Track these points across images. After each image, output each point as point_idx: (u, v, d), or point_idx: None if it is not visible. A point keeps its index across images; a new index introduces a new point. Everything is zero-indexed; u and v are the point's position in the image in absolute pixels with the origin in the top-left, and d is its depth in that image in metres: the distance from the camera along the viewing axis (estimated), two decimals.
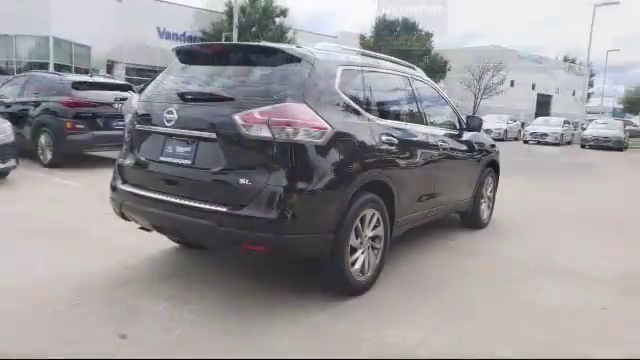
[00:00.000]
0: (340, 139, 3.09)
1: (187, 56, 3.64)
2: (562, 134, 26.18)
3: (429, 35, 36.20)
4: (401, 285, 3.66)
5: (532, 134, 26.05)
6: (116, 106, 8.07)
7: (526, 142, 25.87)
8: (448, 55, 38.53)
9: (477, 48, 45.09)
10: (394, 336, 2.85)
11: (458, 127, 4.97)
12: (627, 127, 27.05)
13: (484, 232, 5.42)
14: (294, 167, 2.87)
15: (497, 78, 39.19)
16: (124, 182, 3.49)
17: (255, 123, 2.89)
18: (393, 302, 3.35)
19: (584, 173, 13.54)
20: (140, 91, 3.81)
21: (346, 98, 3.30)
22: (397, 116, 3.98)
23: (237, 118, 2.93)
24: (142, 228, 3.57)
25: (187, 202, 3.05)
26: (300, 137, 2.89)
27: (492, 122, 26.24)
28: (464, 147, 4.91)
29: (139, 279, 3.54)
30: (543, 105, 57.59)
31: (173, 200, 3.11)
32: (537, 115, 41.97)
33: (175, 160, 3.19)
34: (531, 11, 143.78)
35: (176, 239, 4.06)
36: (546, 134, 25.60)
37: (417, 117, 4.24)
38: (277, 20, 34.29)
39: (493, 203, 5.79)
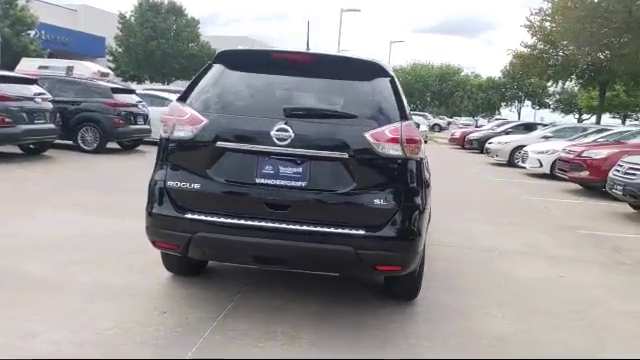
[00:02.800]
0: None
1: (258, 63, 3.28)
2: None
3: (196, 21, 35.56)
4: None
5: None
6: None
7: None
8: (218, 42, 38.32)
9: (234, 37, 46.26)
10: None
11: None
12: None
13: None
14: (419, 185, 3.02)
15: None
16: (191, 210, 2.98)
17: (386, 142, 2.92)
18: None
19: None
20: (182, 99, 3.13)
21: None
22: None
23: (368, 137, 2.91)
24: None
25: (310, 228, 2.86)
26: (420, 154, 3.05)
27: None
28: None
29: None
30: None
31: (287, 227, 2.87)
32: None
33: (281, 182, 2.92)
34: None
35: (269, 268, 3.49)
36: None
37: None
38: None
39: None
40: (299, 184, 2.92)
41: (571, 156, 10.62)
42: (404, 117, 3.03)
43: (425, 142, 19.36)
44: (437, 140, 28.32)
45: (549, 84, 32.15)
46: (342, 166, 2.93)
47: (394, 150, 2.92)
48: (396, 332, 3.18)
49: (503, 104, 66.65)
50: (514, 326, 3.42)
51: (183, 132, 3.05)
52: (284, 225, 2.87)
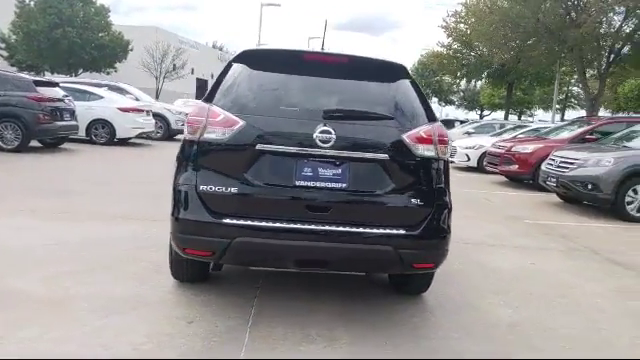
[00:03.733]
0: None
1: (284, 63, 3.20)
2: None
3: (106, 9, 33.51)
4: None
5: None
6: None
7: None
8: (127, 33, 36.39)
9: (145, 27, 44.18)
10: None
11: None
12: None
13: None
14: (447, 183, 3.15)
15: (178, 61, 39.72)
16: (228, 215, 2.88)
17: (422, 143, 3.00)
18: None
19: None
20: (207, 100, 2.96)
21: None
22: None
23: (406, 138, 2.98)
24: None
25: (352, 229, 2.88)
26: (448, 155, 3.18)
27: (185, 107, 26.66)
28: None
29: None
30: (201, 89, 61.36)
31: (329, 228, 2.87)
32: (197, 98, 43.67)
33: (321, 184, 2.91)
34: None
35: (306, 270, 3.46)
36: None
37: None
38: None
39: None
40: (339, 185, 2.93)
41: (501, 151, 11.46)
42: (433, 118, 3.14)
43: None
44: None
45: (462, 82, 34.19)
46: (381, 167, 2.98)
47: (428, 151, 3.02)
48: (422, 326, 3.30)
49: None
50: (519, 313, 3.67)
51: (215, 134, 2.93)
52: (326, 227, 2.87)
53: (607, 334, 3.46)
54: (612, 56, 17.08)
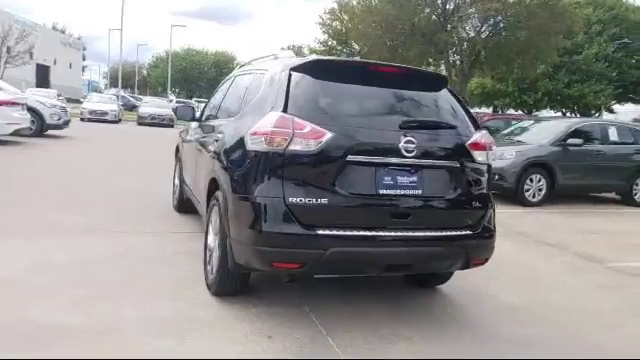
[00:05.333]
0: None
1: (347, 74, 3.25)
2: (119, 111, 27.05)
3: None
4: None
5: (92, 112, 25.52)
6: None
7: (84, 120, 25.13)
8: None
9: None
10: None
11: None
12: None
13: None
14: (490, 185, 3.49)
15: (23, 46, 35.00)
16: (320, 226, 2.88)
17: (478, 149, 3.30)
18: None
19: None
20: (278, 109, 2.81)
21: None
22: None
23: (468, 145, 3.24)
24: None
25: (432, 233, 3.08)
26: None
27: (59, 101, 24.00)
28: None
29: None
30: (42, 76, 54.96)
31: (412, 234, 3.04)
32: (38, 86, 38.97)
33: (400, 192, 3.05)
34: None
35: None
36: (106, 112, 25.74)
37: None
38: None
39: None
40: (416, 192, 3.10)
41: None
42: (478, 125, 3.47)
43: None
44: None
45: None
46: (449, 173, 3.23)
47: (481, 156, 3.34)
48: (467, 318, 3.65)
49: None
50: (523, 297, 4.19)
51: (301, 145, 2.90)
52: (409, 233, 3.04)
53: (589, 303, 4.16)
54: (473, 58, 19.32)
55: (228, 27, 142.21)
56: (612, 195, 10.48)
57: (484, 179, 3.39)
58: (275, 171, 2.92)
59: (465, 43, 19.41)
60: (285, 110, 2.99)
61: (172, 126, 26.92)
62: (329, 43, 25.57)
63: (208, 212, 3.79)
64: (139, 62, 68.07)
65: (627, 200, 9.99)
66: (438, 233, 3.14)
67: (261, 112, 3.19)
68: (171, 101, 40.13)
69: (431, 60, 21.05)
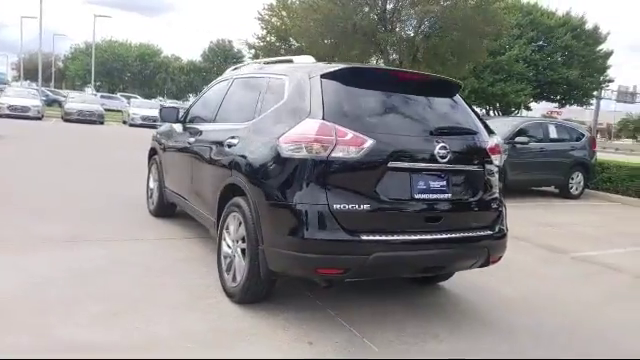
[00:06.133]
0: None
1: (373, 81, 3.32)
2: (42, 107, 25.26)
3: None
4: None
5: (11, 107, 23.60)
6: None
7: (1, 116, 23.17)
8: None
9: None
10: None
11: None
12: None
13: None
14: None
15: None
16: (364, 232, 2.94)
17: (495, 153, 3.50)
18: None
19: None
20: (316, 116, 2.78)
21: None
22: None
23: (488, 150, 3.43)
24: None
25: (462, 234, 3.23)
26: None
27: None
28: None
29: None
30: None
31: (445, 236, 3.17)
32: None
33: (432, 196, 3.18)
34: None
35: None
36: (28, 107, 23.93)
37: None
38: None
39: None
40: (445, 196, 3.25)
41: None
42: (491, 130, 3.67)
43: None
44: None
45: None
46: (473, 177, 3.40)
47: (497, 160, 3.55)
48: (478, 312, 3.86)
49: (205, 87, 68.90)
50: (517, 289, 4.49)
51: (343, 152, 2.94)
52: (443, 235, 3.18)
53: (572, 292, 4.54)
54: (411, 57, 19.96)
55: (151, 19, 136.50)
56: (551, 189, 11.33)
57: (497, 181, 3.60)
58: (318, 178, 2.95)
59: (404, 43, 20.01)
60: (324, 117, 3.01)
61: (102, 123, 25.63)
62: (268, 39, 25.37)
63: (222, 219, 3.73)
64: (54, 54, 63.59)
65: (564, 193, 10.85)
66: (466, 234, 3.30)
67: (292, 118, 3.19)
68: (95, 95, 38.16)
69: (372, 59, 21.50)
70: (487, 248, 3.39)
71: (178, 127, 5.29)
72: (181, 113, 5.42)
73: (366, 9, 20.19)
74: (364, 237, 2.94)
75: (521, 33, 32.32)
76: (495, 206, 3.52)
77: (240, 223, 3.47)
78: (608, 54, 35.78)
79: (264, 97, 3.71)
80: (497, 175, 3.59)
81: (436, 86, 3.61)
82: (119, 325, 3.06)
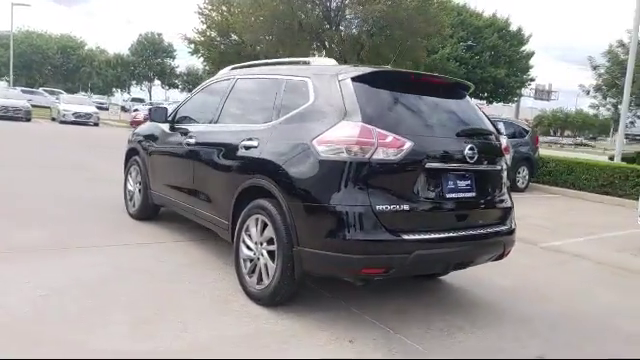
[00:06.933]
0: None
1: (400, 84, 3.42)
2: None
3: None
4: None
5: None
6: None
7: None
8: None
9: None
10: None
11: None
12: None
13: None
14: None
15: None
16: (405, 231, 3.04)
17: (507, 153, 3.72)
18: None
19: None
20: (357, 119, 2.78)
21: None
22: None
23: (503, 149, 3.64)
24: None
25: (483, 231, 3.42)
26: None
27: None
28: None
29: None
30: None
31: (471, 232, 3.34)
32: None
33: (460, 195, 3.32)
34: None
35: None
36: None
37: None
38: None
39: None
40: (470, 195, 3.41)
41: None
42: (499, 130, 3.88)
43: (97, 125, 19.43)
44: (110, 123, 26.55)
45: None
46: (492, 175, 3.60)
47: (508, 160, 3.77)
48: (490, 303, 4.08)
49: (134, 82, 66.15)
50: (509, 279, 4.75)
51: (384, 154, 3.02)
52: (470, 232, 3.35)
53: (556, 280, 4.90)
54: (356, 56, 20.32)
55: (69, 9, 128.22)
56: None
57: (506, 179, 3.83)
58: (360, 180, 3.00)
59: (349, 41, 20.31)
60: (363, 120, 3.07)
61: (29, 120, 23.95)
62: (208, 34, 24.79)
63: (240, 221, 3.68)
64: None
65: (511, 186, 11.50)
66: (488, 230, 3.50)
67: (323, 120, 3.22)
68: (15, 90, 35.50)
69: (317, 55, 21.63)
70: (503, 242, 3.60)
71: (166, 128, 5.12)
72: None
73: (309, 5, 20.25)
74: (405, 236, 3.04)
75: (453, 33, 33.77)
76: (508, 203, 3.74)
77: (265, 225, 3.46)
78: (530, 54, 38.21)
79: (282, 98, 3.70)
80: (506, 173, 3.82)
81: (453, 88, 3.77)
82: (157, 333, 2.97)
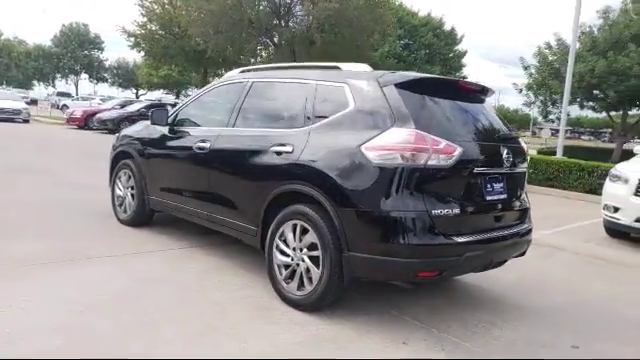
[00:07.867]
0: None
1: (439, 90, 3.52)
2: None
3: None
4: None
5: None
6: None
7: None
8: None
9: None
10: None
11: None
12: None
13: None
14: None
15: None
16: (455, 234, 3.15)
17: (527, 154, 3.92)
18: None
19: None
20: (416, 126, 2.80)
21: None
22: None
23: (525, 152, 3.85)
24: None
25: (514, 230, 3.61)
26: None
27: None
28: None
29: None
30: None
31: (506, 232, 3.53)
32: None
33: (496, 197, 3.48)
34: None
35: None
36: None
37: None
38: None
39: None
40: (503, 197, 3.58)
41: None
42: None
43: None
44: (41, 120, 24.84)
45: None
46: (518, 178, 3.79)
47: (527, 160, 3.99)
48: (508, 298, 4.29)
49: (59, 75, 62.37)
50: (513, 272, 4.88)
51: (437, 160, 3.11)
52: (506, 232, 3.53)
53: (551, 272, 5.25)
54: (306, 53, 20.34)
55: None
56: None
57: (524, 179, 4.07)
58: (415, 185, 3.07)
59: (299, 38, 20.30)
60: (416, 126, 3.14)
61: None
62: (148, 27, 23.82)
63: (274, 227, 3.65)
64: None
65: None
66: (517, 229, 3.71)
67: (369, 126, 3.26)
68: None
69: (264, 53, 21.48)
70: (528, 240, 3.82)
71: (166, 130, 4.93)
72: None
73: (258, 1, 20.05)
74: (457, 239, 3.15)
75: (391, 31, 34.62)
76: (527, 203, 3.97)
77: (305, 231, 3.45)
78: (463, 53, 39.93)
79: (315, 103, 3.68)
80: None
81: (482, 93, 3.92)
82: (218, 344, 2.92)
